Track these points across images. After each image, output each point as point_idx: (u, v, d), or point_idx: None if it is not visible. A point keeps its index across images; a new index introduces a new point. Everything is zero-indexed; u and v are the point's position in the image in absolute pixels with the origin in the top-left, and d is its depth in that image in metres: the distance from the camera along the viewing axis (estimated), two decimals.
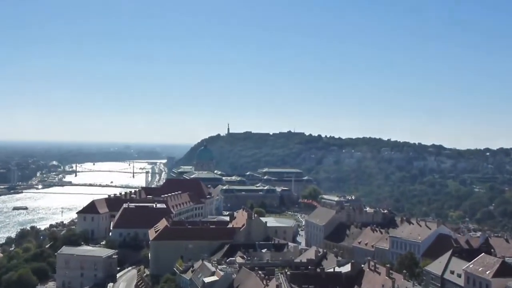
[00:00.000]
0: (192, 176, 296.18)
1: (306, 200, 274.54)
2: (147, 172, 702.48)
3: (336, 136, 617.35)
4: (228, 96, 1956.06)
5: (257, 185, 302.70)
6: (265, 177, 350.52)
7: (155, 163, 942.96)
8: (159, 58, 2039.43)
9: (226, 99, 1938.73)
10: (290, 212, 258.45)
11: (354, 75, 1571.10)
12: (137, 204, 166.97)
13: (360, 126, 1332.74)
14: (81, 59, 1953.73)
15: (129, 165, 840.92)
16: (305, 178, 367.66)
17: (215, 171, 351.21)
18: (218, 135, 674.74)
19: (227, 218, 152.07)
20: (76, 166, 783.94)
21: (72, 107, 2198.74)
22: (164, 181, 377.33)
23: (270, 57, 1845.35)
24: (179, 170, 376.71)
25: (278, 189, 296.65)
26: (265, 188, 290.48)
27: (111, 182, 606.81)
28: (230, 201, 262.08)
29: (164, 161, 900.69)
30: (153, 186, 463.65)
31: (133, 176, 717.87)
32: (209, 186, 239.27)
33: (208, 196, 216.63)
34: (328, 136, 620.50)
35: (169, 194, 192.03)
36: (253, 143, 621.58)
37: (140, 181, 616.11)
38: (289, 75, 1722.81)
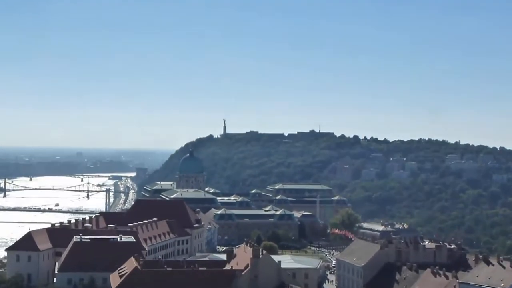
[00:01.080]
0: (173, 196, 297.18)
1: (337, 231, 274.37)
2: (107, 191, 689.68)
3: (380, 138, 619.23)
4: (224, 82, 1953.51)
5: (267, 208, 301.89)
6: (278, 197, 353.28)
7: (120, 178, 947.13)
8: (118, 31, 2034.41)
9: (221, 86, 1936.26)
10: (314, 248, 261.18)
11: (403, 50, 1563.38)
12: (93, 237, 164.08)
13: (415, 123, 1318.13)
14: None
15: (82, 180, 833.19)
16: (336, 198, 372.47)
17: (206, 189, 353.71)
18: (210, 136, 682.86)
19: (224, 257, 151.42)
20: (4, 182, 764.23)
21: None
22: (132, 203, 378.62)
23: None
24: (154, 188, 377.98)
25: (297, 214, 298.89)
26: (278, 213, 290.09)
27: (56, 205, 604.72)
28: (228, 232, 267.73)
29: (133, 174, 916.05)
30: (116, 210, 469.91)
31: (88, 197, 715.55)
32: (197, 210, 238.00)
33: (197, 225, 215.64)
34: (368, 137, 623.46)
35: (140, 223, 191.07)
36: (261, 147, 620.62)
37: (97, 203, 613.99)
38: (312, 51, 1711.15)
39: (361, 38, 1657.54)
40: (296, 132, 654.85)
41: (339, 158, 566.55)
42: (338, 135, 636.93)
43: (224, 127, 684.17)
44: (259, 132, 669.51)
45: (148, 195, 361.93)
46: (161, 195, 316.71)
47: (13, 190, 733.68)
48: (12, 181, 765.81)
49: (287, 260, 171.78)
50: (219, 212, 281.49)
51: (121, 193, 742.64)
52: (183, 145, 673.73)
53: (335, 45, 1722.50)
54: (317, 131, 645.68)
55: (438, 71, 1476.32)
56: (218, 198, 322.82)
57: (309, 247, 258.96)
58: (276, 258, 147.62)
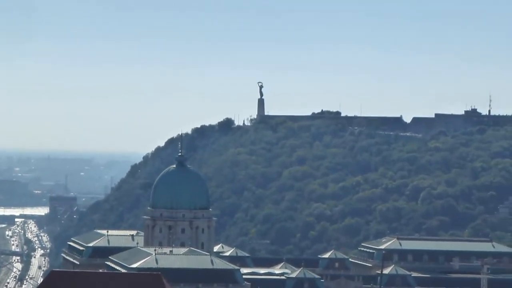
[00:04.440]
0: (137, 265, 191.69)
1: None
2: None
3: None
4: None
5: None
6: (389, 270, 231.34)
7: (11, 220, 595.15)
8: None
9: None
10: None
11: None
12: None
13: None
14: None
15: None
16: None
17: (217, 248, 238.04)
18: (227, 122, 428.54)
19: None
20: None
21: None
22: (40, 279, 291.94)
23: None
24: (93, 244, 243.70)
25: None
26: None
27: None
28: None
29: (43, 211, 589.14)
30: None
31: None
32: None
33: None
34: None
35: None
36: (347, 150, 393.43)
37: None
38: None
39: None
40: (433, 115, 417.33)
41: None
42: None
43: (261, 101, 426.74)
44: (343, 113, 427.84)
45: (77, 262, 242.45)
46: (109, 262, 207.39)
47: None
48: None
49: None
50: None
51: (13, 257, 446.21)
52: (161, 144, 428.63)
53: None
54: (484, 112, 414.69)
55: None
56: (245, 270, 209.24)
57: None
58: None
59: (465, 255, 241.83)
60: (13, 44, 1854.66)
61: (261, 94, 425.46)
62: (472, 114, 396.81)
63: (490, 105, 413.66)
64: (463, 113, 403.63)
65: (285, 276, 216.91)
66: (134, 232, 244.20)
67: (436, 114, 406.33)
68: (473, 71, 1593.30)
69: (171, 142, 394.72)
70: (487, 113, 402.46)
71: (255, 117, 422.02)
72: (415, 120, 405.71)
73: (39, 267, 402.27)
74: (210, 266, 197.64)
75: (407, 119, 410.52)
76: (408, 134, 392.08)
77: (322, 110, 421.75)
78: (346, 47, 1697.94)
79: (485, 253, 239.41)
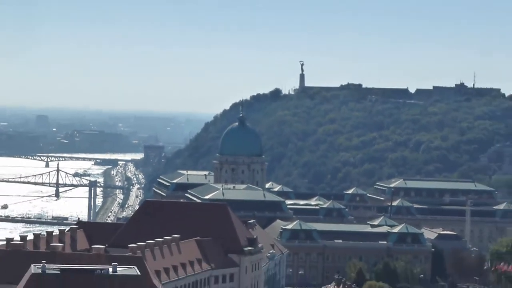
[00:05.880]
0: (208, 197, 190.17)
1: (503, 265, 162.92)
2: (92, 185, 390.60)
3: None
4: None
5: (375, 222, 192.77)
6: (395, 203, 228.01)
7: (115, 162, 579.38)
8: None
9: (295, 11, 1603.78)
10: None
11: None
12: (66, 267, 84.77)
13: None
14: None
15: (47, 165, 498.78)
16: (502, 207, 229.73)
17: (268, 185, 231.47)
18: (276, 92, 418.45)
19: None
20: None
21: None
22: (137, 207, 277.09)
23: None
24: (176, 181, 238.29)
25: (429, 233, 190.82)
26: (396, 230, 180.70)
27: (4, 207, 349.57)
28: (306, 262, 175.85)
29: (138, 156, 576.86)
30: (108, 220, 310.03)
31: (58, 195, 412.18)
32: (251, 222, 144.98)
33: (250, 249, 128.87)
34: None
35: (150, 242, 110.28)
36: (366, 113, 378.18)
37: (74, 206, 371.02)
38: None
39: None
40: (432, 87, 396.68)
41: (511, 136, 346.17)
42: (507, 93, 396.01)
43: (302, 76, 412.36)
44: (364, 85, 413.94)
45: (164, 194, 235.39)
46: (187, 195, 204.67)
47: None
48: None
49: None
50: (289, 226, 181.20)
51: (117, 190, 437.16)
52: (227, 107, 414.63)
53: None
54: (469, 85, 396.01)
55: None
56: (288, 201, 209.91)
57: None
58: None
59: (454, 192, 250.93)
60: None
61: (302, 70, 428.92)
62: (460, 87, 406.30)
63: (474, 80, 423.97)
64: (454, 86, 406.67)
65: (319, 206, 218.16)
66: (206, 173, 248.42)
67: (433, 87, 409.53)
68: (462, 52, 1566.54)
69: (234, 105, 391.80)
70: (472, 86, 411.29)
71: (297, 87, 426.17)
72: (418, 91, 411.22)
73: (136, 197, 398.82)
74: (262, 198, 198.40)
75: (412, 90, 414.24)
76: (412, 101, 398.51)
77: (347, 82, 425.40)
78: (367, 34, 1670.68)
79: (469, 191, 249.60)
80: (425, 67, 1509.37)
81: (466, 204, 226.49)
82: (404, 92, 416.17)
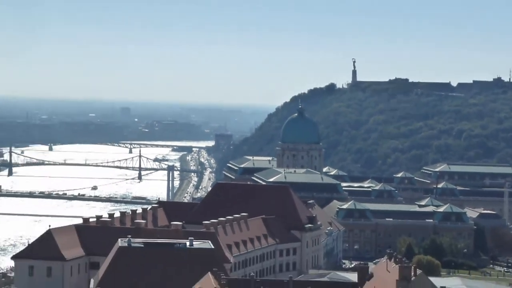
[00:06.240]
0: (272, 180, 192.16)
1: None
2: (170, 169, 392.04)
3: None
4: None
5: (422, 202, 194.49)
6: (440, 185, 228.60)
7: (189, 149, 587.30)
8: None
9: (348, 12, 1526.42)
10: (500, 268, 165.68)
11: None
12: (149, 241, 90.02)
13: None
14: None
15: (131, 152, 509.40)
16: None
17: (325, 169, 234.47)
18: (331, 86, 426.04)
19: (353, 277, 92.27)
20: (10, 152, 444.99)
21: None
22: (209, 188, 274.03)
23: None
24: (243, 166, 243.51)
25: (472, 213, 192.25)
26: (441, 210, 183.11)
27: (93, 188, 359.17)
28: (360, 238, 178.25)
29: (210, 144, 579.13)
30: (184, 200, 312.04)
31: (140, 178, 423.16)
32: (311, 202, 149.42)
33: (310, 226, 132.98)
34: None
35: (222, 219, 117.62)
36: (413, 105, 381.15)
37: (155, 188, 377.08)
38: None
39: None
40: (472, 81, 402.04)
41: None
42: None
43: (354, 72, 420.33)
44: (410, 80, 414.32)
45: (233, 177, 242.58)
46: (253, 177, 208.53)
47: (24, 165, 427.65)
48: (22, 151, 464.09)
49: (456, 286, 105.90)
50: (345, 206, 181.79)
51: (192, 173, 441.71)
52: (287, 100, 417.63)
53: None
54: (506, 79, 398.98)
55: None
56: (344, 184, 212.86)
57: (491, 266, 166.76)
58: (437, 282, 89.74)
59: (493, 176, 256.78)
60: None
61: (354, 66, 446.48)
62: (498, 81, 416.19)
63: (510, 75, 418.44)
64: (492, 80, 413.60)
65: (371, 188, 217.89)
66: (270, 158, 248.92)
67: (473, 81, 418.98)
68: (499, 49, 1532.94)
69: (294, 98, 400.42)
70: (508, 80, 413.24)
71: (350, 82, 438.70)
72: (459, 84, 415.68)
73: (209, 180, 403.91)
74: (320, 181, 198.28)
75: (454, 83, 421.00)
76: (454, 94, 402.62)
77: (395, 77, 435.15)
78: (414, 34, 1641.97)
79: (506, 174, 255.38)
80: (465, 63, 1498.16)
81: (504, 186, 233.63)
82: (446, 85, 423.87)
